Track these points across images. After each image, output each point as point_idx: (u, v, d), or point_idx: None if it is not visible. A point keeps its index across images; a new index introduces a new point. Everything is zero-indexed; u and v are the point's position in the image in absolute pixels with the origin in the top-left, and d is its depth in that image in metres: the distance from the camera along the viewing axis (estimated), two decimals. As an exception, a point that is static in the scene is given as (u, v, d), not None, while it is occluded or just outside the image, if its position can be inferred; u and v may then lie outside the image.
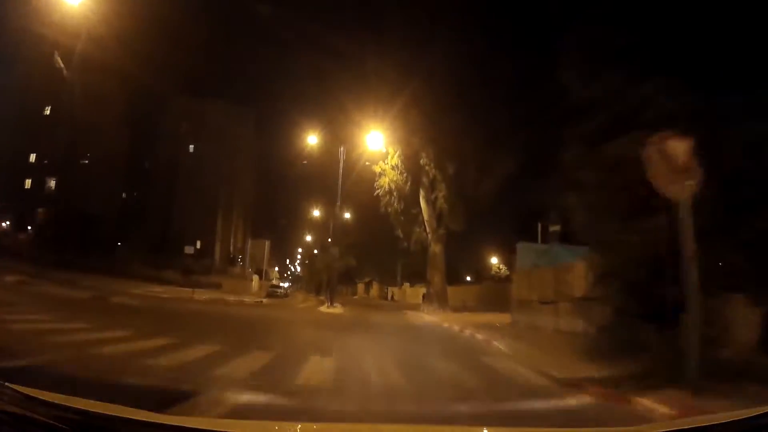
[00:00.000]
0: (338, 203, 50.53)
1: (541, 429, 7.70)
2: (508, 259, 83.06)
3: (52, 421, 2.92)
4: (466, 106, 42.92)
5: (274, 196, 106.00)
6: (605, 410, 9.88)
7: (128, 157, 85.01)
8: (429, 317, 41.15)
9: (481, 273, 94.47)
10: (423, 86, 43.56)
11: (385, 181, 50.54)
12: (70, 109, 63.20)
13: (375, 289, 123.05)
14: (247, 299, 50.22)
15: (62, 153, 70.83)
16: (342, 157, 49.76)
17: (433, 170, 48.75)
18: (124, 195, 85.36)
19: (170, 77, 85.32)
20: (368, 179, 51.89)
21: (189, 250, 48.07)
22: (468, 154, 46.34)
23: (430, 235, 50.69)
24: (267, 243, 61.60)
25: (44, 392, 3.34)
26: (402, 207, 51.04)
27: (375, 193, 50.63)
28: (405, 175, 50.37)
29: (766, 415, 3.34)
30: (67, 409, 3.12)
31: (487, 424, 8.17)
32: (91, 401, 3.42)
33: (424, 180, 50.23)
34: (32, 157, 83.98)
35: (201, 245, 71.11)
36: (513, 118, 42.11)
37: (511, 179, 48.60)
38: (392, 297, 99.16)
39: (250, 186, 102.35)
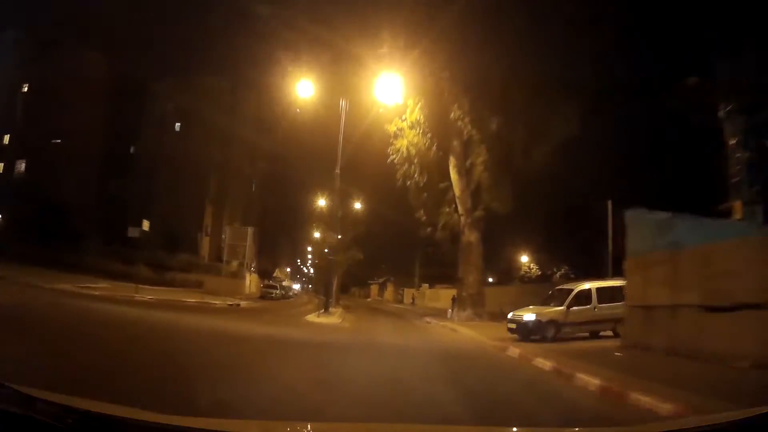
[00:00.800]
0: (337, 170, 36.51)
1: (539, 429, 8.09)
2: (539, 258, 74.52)
3: (52, 421, 2.89)
4: (516, 37, 31.45)
5: (277, 186, 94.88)
6: None
7: (108, 141, 75.89)
8: (467, 331, 28.86)
9: (509, 273, 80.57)
10: (456, 9, 31.30)
11: (402, 144, 38.19)
12: (49, 87, 63.71)
13: (390, 291, 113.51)
14: (228, 302, 40.05)
15: (36, 134, 67.72)
16: (344, 112, 36.17)
17: (468, 127, 35.92)
18: (100, 182, 74.46)
19: (153, 56, 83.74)
20: (380, 145, 39.51)
21: (134, 232, 36.93)
22: (517, 106, 34.89)
23: (462, 219, 38.30)
24: (249, 231, 49.31)
25: (44, 392, 3.24)
26: (425, 180, 38.95)
27: (389, 160, 38.51)
28: (429, 136, 37.92)
29: (766, 416, 3.24)
30: (67, 409, 3.07)
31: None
32: (92, 401, 3.38)
33: (455, 143, 38.01)
34: (6, 139, 76.24)
35: (186, 239, 63.13)
36: (586, 56, 32.19)
37: (570, 145, 37.23)
38: (413, 300, 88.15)
39: (248, 174, 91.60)
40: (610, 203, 39.45)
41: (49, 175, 64.72)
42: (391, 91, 33.75)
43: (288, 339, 20.58)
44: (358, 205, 63.27)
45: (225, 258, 48.09)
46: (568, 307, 23.48)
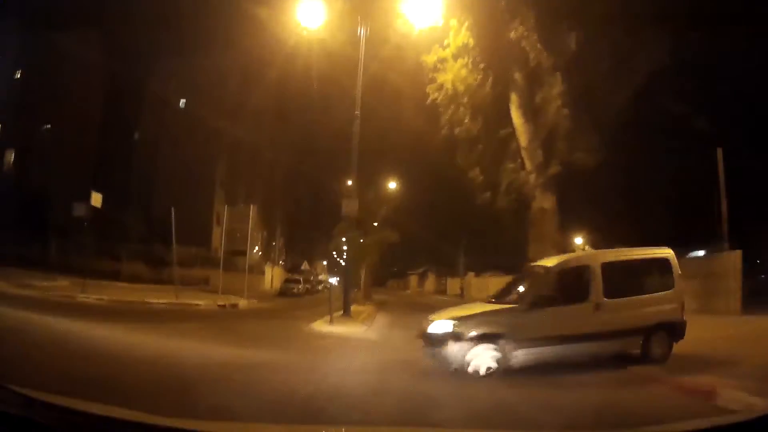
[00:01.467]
0: (357, 111, 27.06)
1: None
2: (594, 238, 62.18)
3: (51, 422, 3.02)
4: None
5: (306, 169, 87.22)
6: None
7: (107, 128, 69.59)
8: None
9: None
10: None
11: (445, 80, 28.25)
12: (41, 72, 62.07)
13: (431, 281, 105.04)
14: (221, 302, 31.43)
15: (28, 122, 64.32)
16: (363, 39, 27.28)
17: (536, 50, 26.58)
18: (97, 171, 65.55)
19: (152, 31, 73.46)
20: (414, 83, 30.00)
21: (79, 210, 29.17)
22: (599, 20, 25.71)
23: (532, 178, 28.54)
24: (252, 209, 40.06)
25: (44, 393, 3.43)
26: (479, 127, 29.26)
27: (429, 100, 28.81)
28: (481, 66, 28.12)
29: (765, 418, 3.36)
30: (66, 410, 3.24)
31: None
32: (91, 403, 3.59)
33: (517, 75, 28.17)
34: None
35: (196, 230, 56.45)
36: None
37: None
38: (462, 291, 76.73)
39: (269, 154, 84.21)
40: (720, 151, 30.74)
41: (40, 165, 61.04)
42: (427, 9, 25.98)
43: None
44: (392, 185, 54.69)
45: (222, 246, 38.60)
46: (532, 304, 12.62)
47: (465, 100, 28.44)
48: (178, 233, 53.23)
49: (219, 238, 67.36)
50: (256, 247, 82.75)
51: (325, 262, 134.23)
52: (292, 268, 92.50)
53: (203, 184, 64.71)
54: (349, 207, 25.89)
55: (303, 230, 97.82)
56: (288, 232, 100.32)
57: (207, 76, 70.01)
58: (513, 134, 29.27)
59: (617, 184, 43.50)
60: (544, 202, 28.39)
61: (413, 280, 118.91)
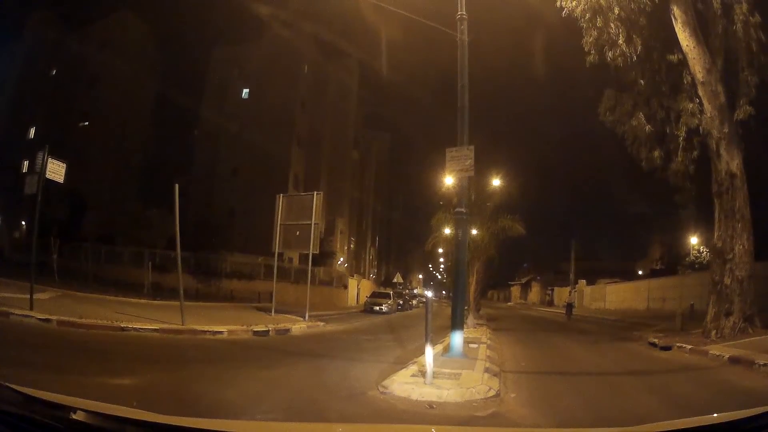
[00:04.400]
0: (461, 12, 15.72)
1: (539, 430, 8.01)
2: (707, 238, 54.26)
3: (52, 422, 2.96)
4: None
5: (398, 172, 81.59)
6: None
7: (157, 122, 69.62)
8: None
9: (672, 259, 65.80)
10: None
11: None
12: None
13: (535, 291, 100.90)
14: (258, 328, 22.93)
15: (64, 124, 62.08)
16: None
17: None
18: (152, 174, 64.72)
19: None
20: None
21: (31, 186, 21.44)
22: None
23: (714, 128, 20.55)
24: (316, 198, 31.17)
25: (44, 392, 3.33)
26: (638, 51, 21.49)
27: (564, 13, 21.06)
28: None
29: (766, 415, 3.26)
30: (66, 408, 3.10)
31: None
32: (91, 401, 3.41)
33: None
34: (31, 132, 69.02)
35: (263, 237, 42.89)
36: None
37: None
38: (570, 302, 64.67)
39: (351, 150, 79.81)
40: None
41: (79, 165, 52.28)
42: None
43: None
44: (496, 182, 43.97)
45: (275, 248, 29.75)
46: None
47: (616, 11, 20.40)
48: (241, 240, 50.93)
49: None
50: (342, 258, 76.42)
51: (421, 276, 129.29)
52: (384, 282, 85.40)
53: (275, 184, 56.30)
54: (458, 161, 15.81)
55: (398, 240, 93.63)
56: (381, 242, 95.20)
57: (277, 62, 63.90)
58: (683, 61, 21.18)
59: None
60: (731, 163, 20.19)
61: (515, 290, 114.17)
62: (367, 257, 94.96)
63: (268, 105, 62.75)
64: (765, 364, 13.51)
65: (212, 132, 65.44)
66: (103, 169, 59.18)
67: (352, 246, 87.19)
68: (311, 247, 28.35)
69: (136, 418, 3.21)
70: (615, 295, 62.81)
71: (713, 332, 19.55)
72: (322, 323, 28.31)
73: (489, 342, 19.95)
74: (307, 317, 27.56)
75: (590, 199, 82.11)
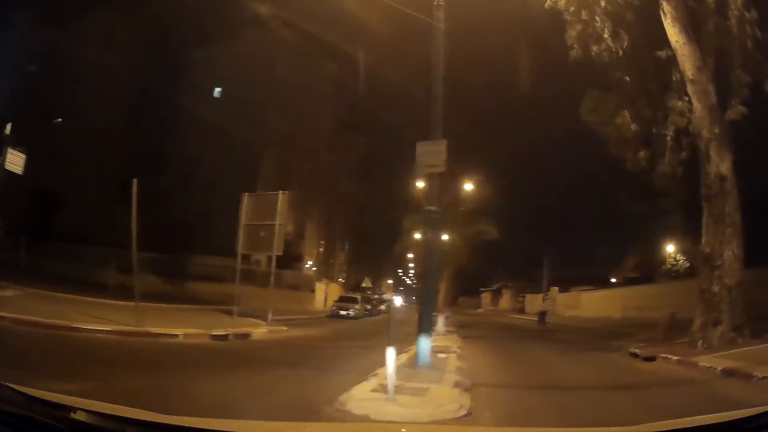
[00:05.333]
0: None
1: (539, 429, 7.98)
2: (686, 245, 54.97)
3: (52, 421, 2.95)
4: None
5: (370, 174, 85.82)
6: None
7: (132, 121, 64.73)
8: None
9: (648, 267, 64.58)
10: None
11: None
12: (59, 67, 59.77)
13: (506, 298, 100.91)
14: (216, 332, 21.87)
15: (39, 120, 59.73)
16: None
17: None
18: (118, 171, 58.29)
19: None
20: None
21: None
22: None
23: (704, 128, 19.71)
24: (281, 198, 30.09)
25: (44, 392, 3.32)
26: (625, 47, 21.11)
27: (547, 5, 20.65)
28: None
29: (766, 415, 3.26)
30: (67, 408, 3.09)
31: None
32: (91, 401, 3.39)
33: None
34: (7, 128, 58.02)
35: (221, 234, 44.59)
36: None
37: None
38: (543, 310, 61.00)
39: (319, 143, 76.53)
40: None
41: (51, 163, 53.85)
42: None
43: None
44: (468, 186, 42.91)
45: (239, 249, 29.05)
46: None
47: (603, 4, 19.99)
48: (212, 241, 48.90)
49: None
50: (310, 262, 75.92)
51: (391, 281, 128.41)
52: (354, 287, 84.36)
53: (247, 186, 56.11)
54: (429, 155, 14.58)
55: (369, 245, 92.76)
56: (352, 247, 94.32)
57: (251, 62, 64.02)
58: (673, 58, 20.31)
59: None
60: (721, 165, 19.37)
61: (486, 297, 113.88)
62: (336, 262, 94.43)
63: (241, 105, 62.66)
64: (764, 378, 12.50)
65: (186, 131, 64.81)
66: (78, 167, 57.29)
67: (321, 250, 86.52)
68: (275, 248, 27.49)
69: (136, 417, 3.19)
70: (589, 303, 62.36)
71: (700, 342, 18.65)
72: (285, 328, 27.50)
73: (460, 351, 18.85)
74: (269, 321, 26.68)
75: (566, 206, 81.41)
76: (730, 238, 18.88)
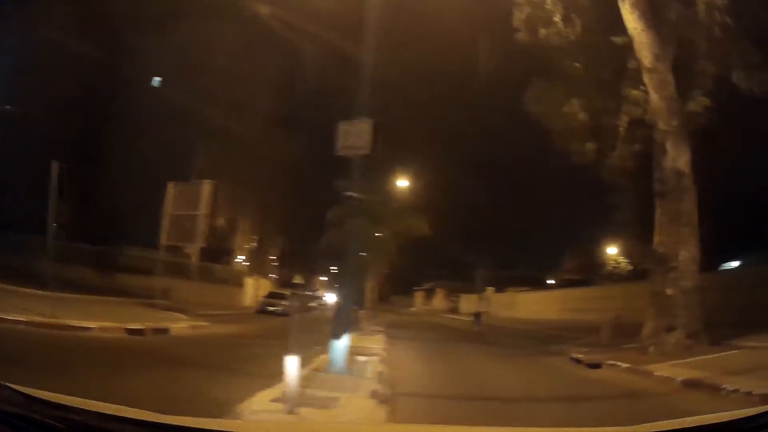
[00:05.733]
0: None
1: (542, 429, 8.17)
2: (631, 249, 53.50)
3: (52, 421, 2.86)
4: None
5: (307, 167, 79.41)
6: None
7: (70, 107, 57.30)
8: None
9: (588, 270, 63.99)
10: None
11: None
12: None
13: (439, 298, 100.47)
14: (162, 322, 22.96)
15: None
16: None
17: None
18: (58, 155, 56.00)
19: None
20: None
21: None
22: None
23: (660, 120, 18.45)
24: (206, 187, 28.96)
25: (44, 392, 3.19)
26: (577, 31, 20.09)
27: None
28: None
29: (766, 415, 3.18)
30: (67, 408, 3.04)
31: None
32: (91, 401, 3.27)
33: None
34: None
35: (154, 226, 41.01)
36: None
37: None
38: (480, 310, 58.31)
39: (257, 138, 72.53)
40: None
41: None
42: None
43: None
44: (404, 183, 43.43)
45: (163, 240, 30.16)
46: None
47: None
48: (145, 233, 45.56)
49: (203, 237, 60.40)
50: (243, 257, 76.31)
51: (326, 278, 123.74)
52: (289, 284, 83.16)
53: (182, 178, 55.28)
54: (351, 136, 12.92)
55: (303, 242, 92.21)
56: (288, 243, 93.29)
57: (192, 52, 61.01)
58: (629, 49, 19.19)
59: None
60: (678, 160, 18.11)
61: (420, 296, 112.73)
62: (270, 257, 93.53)
63: (180, 95, 58.54)
64: (735, 390, 11.12)
65: (125, 120, 59.84)
66: (15, 154, 50.84)
67: (254, 245, 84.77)
68: (199, 239, 27.39)
69: (137, 417, 3.12)
70: (526, 305, 61.73)
71: (652, 348, 17.41)
72: (207, 323, 26.11)
73: (384, 354, 17.35)
74: (192, 316, 25.79)
75: (505, 204, 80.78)
76: (687, 238, 17.68)
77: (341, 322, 11.84)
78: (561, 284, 65.16)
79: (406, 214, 37.80)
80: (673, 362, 15.15)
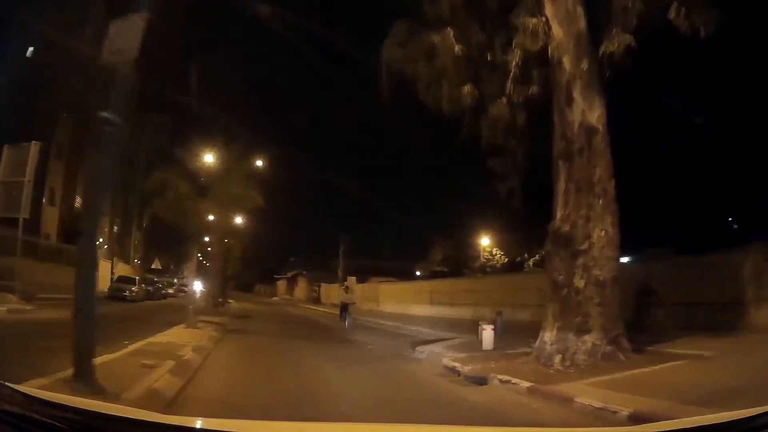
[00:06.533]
0: None
1: (542, 429, 8.02)
2: (507, 241, 56.21)
3: (52, 421, 2.88)
4: None
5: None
6: None
7: None
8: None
9: (458, 261, 64.63)
10: None
11: None
12: None
13: (302, 287, 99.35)
14: None
15: None
16: None
17: None
18: None
19: None
20: None
21: None
22: None
23: (566, 62, 14.27)
24: (33, 148, 25.40)
25: (44, 392, 3.37)
26: None
27: None
28: None
29: (766, 415, 3.24)
30: (67, 408, 3.07)
31: None
32: (91, 401, 3.50)
33: None
34: None
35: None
36: None
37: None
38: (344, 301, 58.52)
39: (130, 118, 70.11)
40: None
41: None
42: None
43: None
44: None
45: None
46: None
47: None
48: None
49: (55, 221, 61.13)
50: (101, 239, 70.65)
51: (194, 265, 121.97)
52: (156, 270, 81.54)
53: (41, 152, 51.50)
54: (120, 38, 8.38)
55: (172, 227, 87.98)
56: (153, 227, 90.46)
57: (65, 22, 58.85)
58: None
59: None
60: (590, 112, 14.27)
61: (281, 285, 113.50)
62: (133, 241, 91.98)
63: (50, 67, 58.81)
64: None
65: None
66: None
67: (116, 228, 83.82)
68: (22, 209, 25.39)
69: (137, 417, 3.10)
70: (390, 296, 58.87)
71: (558, 358, 13.10)
72: (32, 307, 24.07)
73: (193, 355, 13.20)
74: (21, 298, 24.33)
75: (369, 192, 79.18)
76: (602, 213, 13.69)
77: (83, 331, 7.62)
78: (428, 276, 62.84)
79: (237, 183, 36.98)
80: (593, 379, 11.20)
